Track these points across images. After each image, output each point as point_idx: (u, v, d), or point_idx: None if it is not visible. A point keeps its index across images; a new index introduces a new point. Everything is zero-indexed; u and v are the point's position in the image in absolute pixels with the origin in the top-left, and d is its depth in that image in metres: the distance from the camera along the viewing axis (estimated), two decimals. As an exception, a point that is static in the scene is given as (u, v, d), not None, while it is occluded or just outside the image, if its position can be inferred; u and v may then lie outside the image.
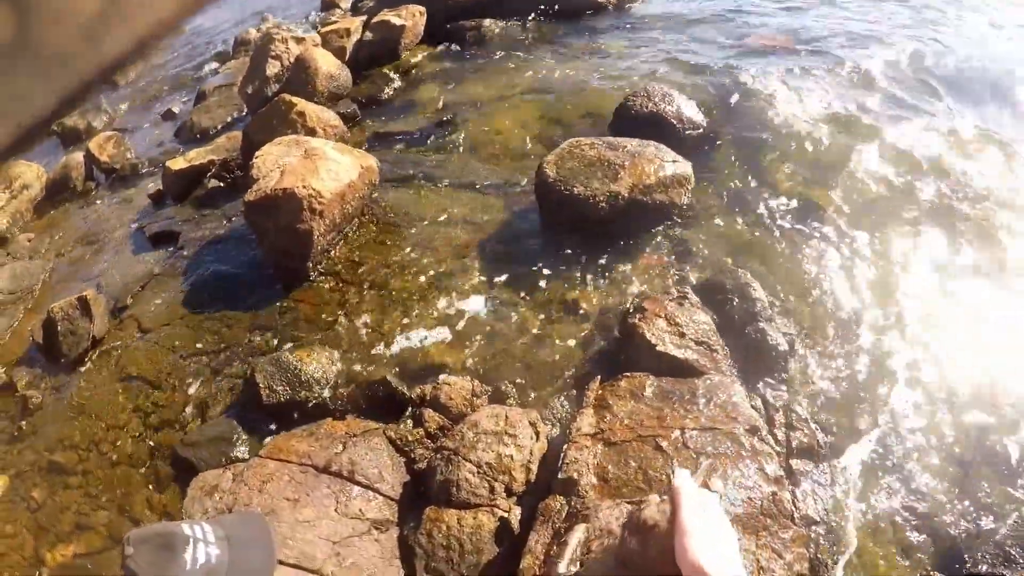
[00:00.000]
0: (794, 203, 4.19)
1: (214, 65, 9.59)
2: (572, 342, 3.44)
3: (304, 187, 3.97)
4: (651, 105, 4.87)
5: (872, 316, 3.48)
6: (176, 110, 8.29)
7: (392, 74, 6.97)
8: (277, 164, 4.24)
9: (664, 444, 2.66)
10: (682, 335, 3.12)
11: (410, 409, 3.17)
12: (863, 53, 6.07)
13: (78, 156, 7.40)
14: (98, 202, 6.72)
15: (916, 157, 4.53)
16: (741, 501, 2.48)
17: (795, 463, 2.85)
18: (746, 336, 3.28)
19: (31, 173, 7.38)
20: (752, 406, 2.89)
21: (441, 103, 6.20)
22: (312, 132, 5.23)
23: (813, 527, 2.66)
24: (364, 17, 7.99)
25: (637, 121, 4.80)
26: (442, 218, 4.43)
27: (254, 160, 4.39)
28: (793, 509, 2.54)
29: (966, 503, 2.74)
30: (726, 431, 2.70)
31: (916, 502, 2.75)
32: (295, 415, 3.31)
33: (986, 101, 5.34)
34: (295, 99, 5.42)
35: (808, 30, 6.90)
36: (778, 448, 2.79)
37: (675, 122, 4.81)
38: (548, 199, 4.06)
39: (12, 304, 5.39)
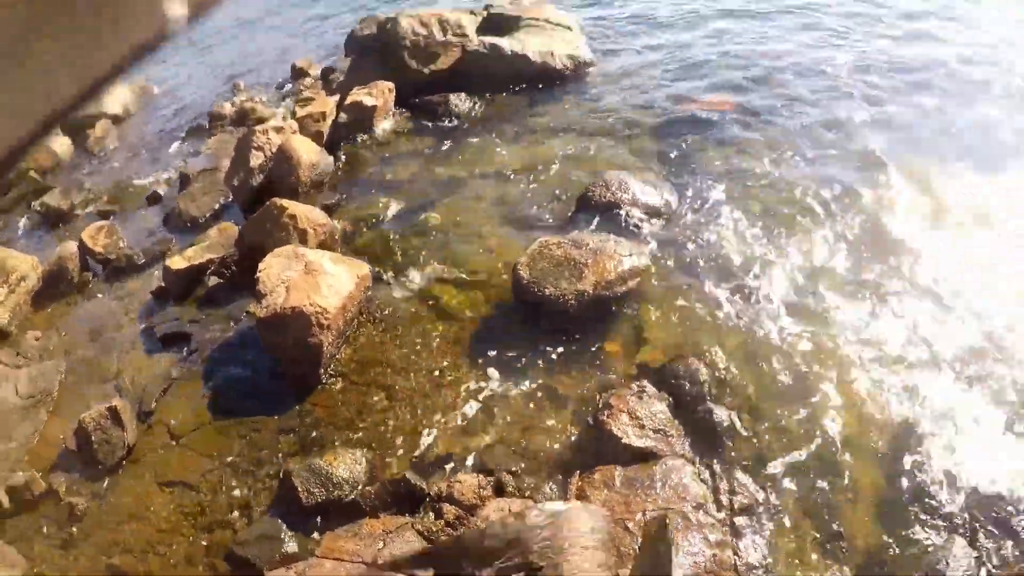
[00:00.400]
0: (745, 280, 4.88)
1: (191, 143, 10.03)
2: (556, 431, 4.09)
3: (311, 304, 4.57)
4: (609, 194, 5.57)
5: (806, 385, 4.19)
6: (161, 192, 8.73)
7: (367, 153, 7.60)
8: (280, 279, 4.83)
9: (631, 525, 3.33)
10: (642, 427, 3.83)
11: (429, 502, 3.79)
12: (800, 118, 6.83)
13: (71, 247, 7.74)
14: (99, 295, 7.15)
15: (862, 235, 5.27)
16: (689, 564, 3.17)
17: (738, 520, 3.54)
18: (697, 415, 3.99)
19: (26, 265, 7.74)
20: (701, 479, 3.60)
21: (415, 185, 6.83)
22: (304, 233, 5.81)
23: (753, 571, 3.35)
24: (337, 97, 8.60)
25: (598, 208, 5.49)
26: (431, 314, 5.05)
27: (259, 274, 4.96)
28: (735, 560, 3.26)
29: (883, 535, 3.47)
30: (677, 510, 3.38)
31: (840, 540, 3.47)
32: (332, 512, 3.90)
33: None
34: (286, 203, 5.99)
35: (748, 90, 7.66)
36: (721, 515, 3.48)
37: (631, 208, 5.50)
38: (524, 298, 4.71)
39: (34, 408, 5.83)
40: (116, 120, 12.51)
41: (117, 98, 13.30)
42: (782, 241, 5.25)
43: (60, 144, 12.12)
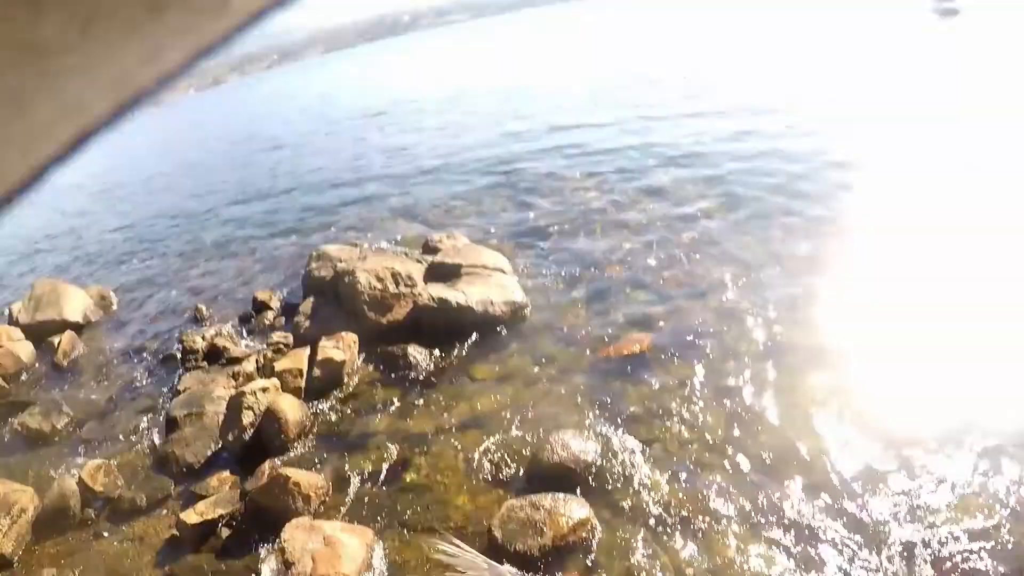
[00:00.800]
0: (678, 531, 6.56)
1: (166, 375, 11.31)
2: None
3: (335, 572, 6.05)
4: (556, 457, 7.25)
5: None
6: (147, 429, 9.95)
7: (342, 408, 9.20)
8: (304, 549, 6.31)
9: None
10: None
11: None
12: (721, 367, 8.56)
13: (71, 483, 8.79)
14: (106, 535, 8.18)
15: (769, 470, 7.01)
16: None
17: None
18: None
19: (26, 497, 8.72)
20: None
21: (387, 439, 8.31)
22: (307, 498, 7.31)
23: None
24: (308, 350, 10.21)
25: (550, 469, 7.15)
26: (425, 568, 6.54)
27: (284, 543, 6.43)
28: None
29: None
30: None
31: None
32: None
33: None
34: (290, 472, 7.52)
35: (667, 330, 9.53)
36: None
37: (576, 468, 7.13)
38: (499, 555, 6.32)
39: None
40: (77, 329, 13.72)
41: (77, 305, 14.58)
42: (704, 485, 6.85)
43: (23, 349, 13.23)
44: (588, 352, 9.40)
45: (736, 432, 7.42)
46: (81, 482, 8.77)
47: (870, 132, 15.75)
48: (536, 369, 9.24)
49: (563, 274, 11.82)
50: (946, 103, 16.93)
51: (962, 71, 19.92)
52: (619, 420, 7.90)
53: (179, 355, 11.63)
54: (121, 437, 9.94)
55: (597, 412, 8.09)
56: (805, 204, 12.57)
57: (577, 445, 7.38)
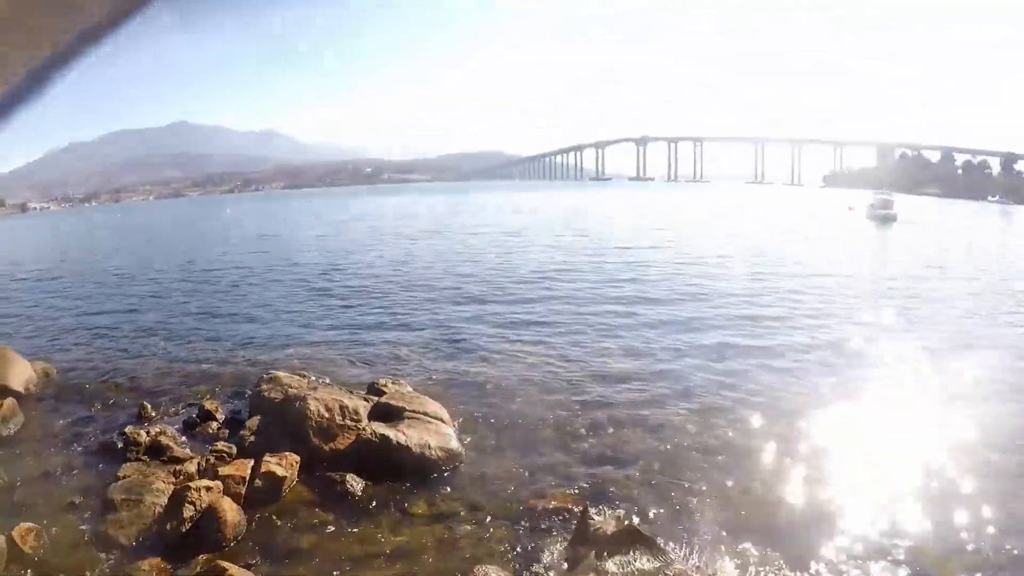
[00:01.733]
0: None
1: (107, 462, 11.76)
2: None
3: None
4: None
5: None
6: (81, 505, 10.36)
7: (279, 521, 9.92)
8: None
9: None
10: None
11: None
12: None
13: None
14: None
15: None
16: None
17: None
18: None
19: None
20: None
21: (319, 559, 9.00)
22: (242, 592, 7.99)
23: None
24: (252, 461, 10.96)
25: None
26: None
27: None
28: None
29: None
30: None
31: None
32: None
33: None
34: (226, 564, 8.21)
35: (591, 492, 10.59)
36: None
37: None
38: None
39: None
40: (19, 398, 14.09)
41: (21, 375, 15.01)
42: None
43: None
44: (515, 503, 10.34)
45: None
46: (10, 540, 9.02)
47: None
48: (465, 513, 10.11)
49: (499, 429, 13.00)
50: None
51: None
52: (538, 568, 8.76)
53: (120, 445, 12.13)
54: (56, 508, 10.23)
55: (519, 559, 8.98)
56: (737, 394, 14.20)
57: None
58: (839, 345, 18.59)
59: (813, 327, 21.02)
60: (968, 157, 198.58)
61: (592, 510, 9.84)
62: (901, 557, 8.82)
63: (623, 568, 8.50)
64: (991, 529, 9.42)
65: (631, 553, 8.70)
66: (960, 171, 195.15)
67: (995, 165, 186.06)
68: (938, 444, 11.69)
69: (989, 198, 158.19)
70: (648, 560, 8.62)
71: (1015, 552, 8.92)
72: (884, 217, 73.20)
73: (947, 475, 10.80)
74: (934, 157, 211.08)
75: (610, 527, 9.18)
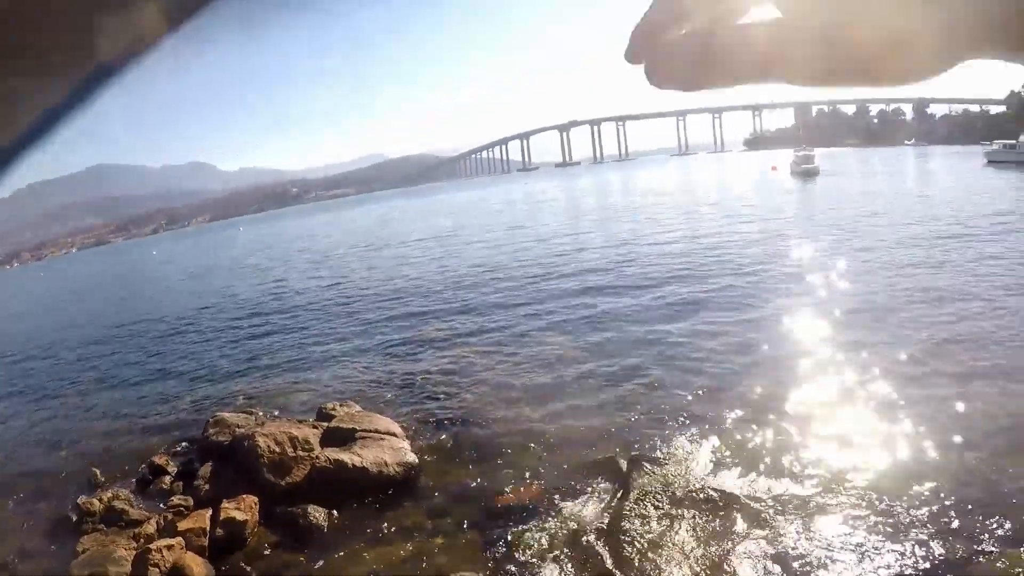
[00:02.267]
0: None
1: (63, 536, 11.53)
2: None
3: None
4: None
5: None
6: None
7: (247, 566, 9.85)
8: None
9: None
10: None
11: None
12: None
13: None
14: None
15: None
16: None
17: None
18: None
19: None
20: None
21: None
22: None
23: None
24: (210, 511, 10.87)
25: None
26: None
27: None
28: None
29: None
30: None
31: None
32: None
33: None
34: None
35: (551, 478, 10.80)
36: None
37: None
38: None
39: None
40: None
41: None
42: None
43: None
44: (481, 504, 10.50)
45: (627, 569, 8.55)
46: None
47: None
48: (431, 523, 10.21)
49: (454, 433, 13.16)
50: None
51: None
52: (512, 565, 8.88)
53: (75, 517, 11.89)
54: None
55: (490, 559, 9.11)
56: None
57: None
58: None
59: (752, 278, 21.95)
60: (882, 106, 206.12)
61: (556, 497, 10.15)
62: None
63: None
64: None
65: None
66: (876, 120, 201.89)
67: (908, 112, 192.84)
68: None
69: (905, 142, 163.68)
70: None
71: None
72: (807, 171, 75.42)
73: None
74: (850, 111, 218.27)
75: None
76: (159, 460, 13.66)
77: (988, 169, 66.33)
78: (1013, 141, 70.26)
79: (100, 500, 12.20)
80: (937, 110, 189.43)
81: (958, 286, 19.37)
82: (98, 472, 13.71)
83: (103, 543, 10.87)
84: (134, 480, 13.27)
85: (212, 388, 19.11)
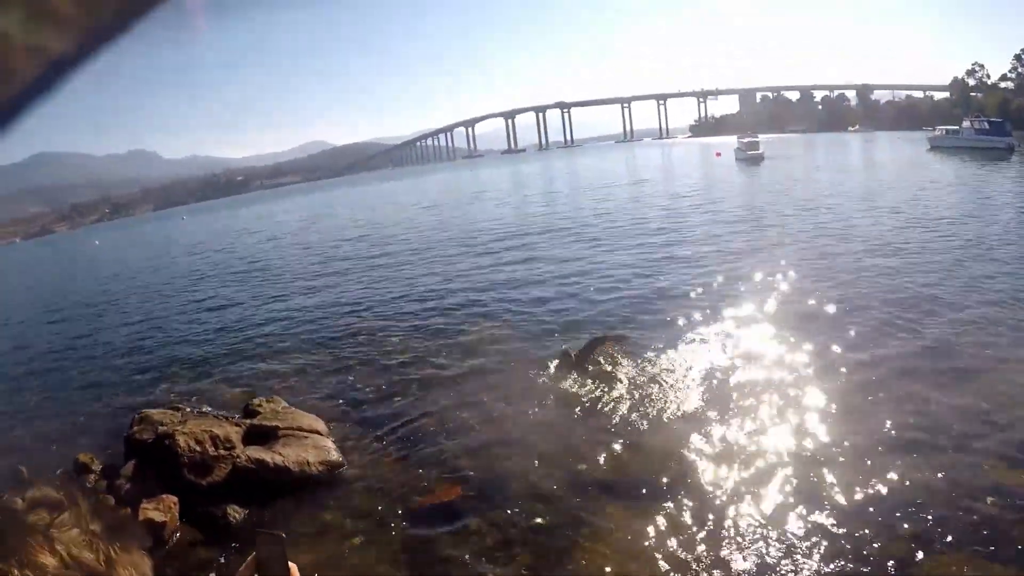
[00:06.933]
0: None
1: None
2: None
3: None
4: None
5: None
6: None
7: (162, 567, 9.77)
8: None
9: None
10: None
11: None
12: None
13: None
14: None
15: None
16: None
17: None
18: None
19: None
20: None
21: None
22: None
23: None
24: (128, 511, 10.79)
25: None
26: None
27: None
28: None
29: None
30: None
31: None
32: None
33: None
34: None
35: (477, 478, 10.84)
36: None
37: None
38: None
39: None
40: None
41: None
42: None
43: None
44: (402, 504, 10.47)
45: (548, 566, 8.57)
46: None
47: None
48: (351, 523, 10.15)
49: (380, 431, 13.16)
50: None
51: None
52: (433, 566, 8.92)
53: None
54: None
55: (410, 560, 9.15)
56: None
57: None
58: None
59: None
60: (826, 93, 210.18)
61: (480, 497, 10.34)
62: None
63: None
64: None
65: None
66: (820, 107, 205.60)
67: (852, 98, 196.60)
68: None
69: (849, 128, 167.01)
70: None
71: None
72: (751, 158, 76.18)
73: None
74: (794, 97, 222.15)
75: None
76: (83, 457, 13.49)
77: (930, 154, 68.01)
78: (956, 127, 72.19)
79: (21, 500, 11.99)
80: (880, 96, 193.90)
81: (894, 272, 20.34)
82: (24, 470, 13.47)
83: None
84: (57, 480, 13.02)
85: (143, 382, 18.88)
